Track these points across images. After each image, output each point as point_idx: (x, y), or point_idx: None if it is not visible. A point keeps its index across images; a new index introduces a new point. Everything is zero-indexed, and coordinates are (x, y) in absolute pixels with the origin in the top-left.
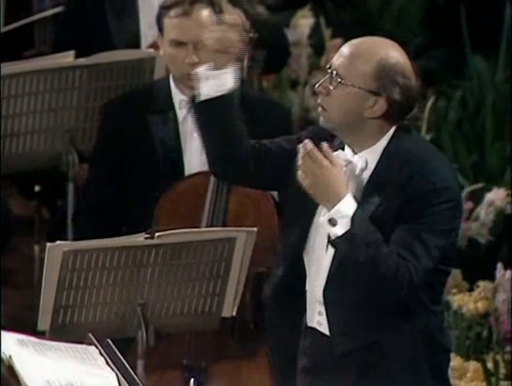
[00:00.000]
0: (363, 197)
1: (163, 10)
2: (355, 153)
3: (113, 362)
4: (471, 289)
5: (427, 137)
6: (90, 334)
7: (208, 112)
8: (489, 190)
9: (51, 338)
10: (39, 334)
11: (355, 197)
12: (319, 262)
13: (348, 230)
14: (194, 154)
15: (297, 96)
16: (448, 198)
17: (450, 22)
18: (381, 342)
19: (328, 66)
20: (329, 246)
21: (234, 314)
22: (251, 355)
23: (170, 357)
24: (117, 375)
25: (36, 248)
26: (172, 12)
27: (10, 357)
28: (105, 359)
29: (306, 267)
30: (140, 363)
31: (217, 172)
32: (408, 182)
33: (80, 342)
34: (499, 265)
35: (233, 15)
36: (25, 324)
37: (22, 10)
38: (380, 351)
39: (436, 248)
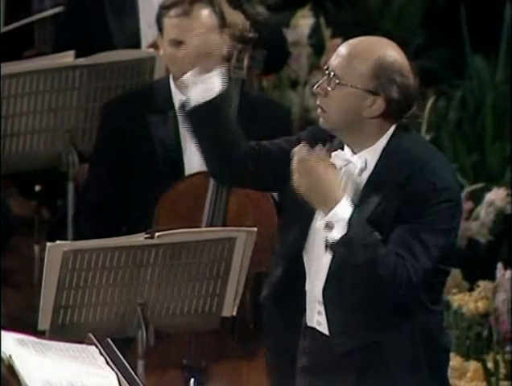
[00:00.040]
0: (362, 197)
1: (163, 9)
2: (354, 153)
3: (113, 362)
4: (471, 289)
5: (427, 137)
6: (90, 334)
7: (199, 117)
8: (489, 190)
9: (51, 338)
10: (39, 334)
11: (353, 199)
12: (318, 261)
13: (346, 233)
14: (194, 154)
15: (297, 96)
16: (448, 197)
17: (450, 22)
18: (381, 342)
19: (325, 67)
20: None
21: (234, 313)
22: (251, 355)
23: (170, 357)
24: (117, 375)
25: (36, 248)
26: (172, 12)
27: (10, 357)
28: (105, 358)
29: (306, 266)
30: (140, 363)
31: (215, 174)
32: (408, 182)
33: (80, 342)
34: (499, 265)
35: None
36: (25, 324)
37: (22, 10)
38: (379, 351)
39: (436, 247)
